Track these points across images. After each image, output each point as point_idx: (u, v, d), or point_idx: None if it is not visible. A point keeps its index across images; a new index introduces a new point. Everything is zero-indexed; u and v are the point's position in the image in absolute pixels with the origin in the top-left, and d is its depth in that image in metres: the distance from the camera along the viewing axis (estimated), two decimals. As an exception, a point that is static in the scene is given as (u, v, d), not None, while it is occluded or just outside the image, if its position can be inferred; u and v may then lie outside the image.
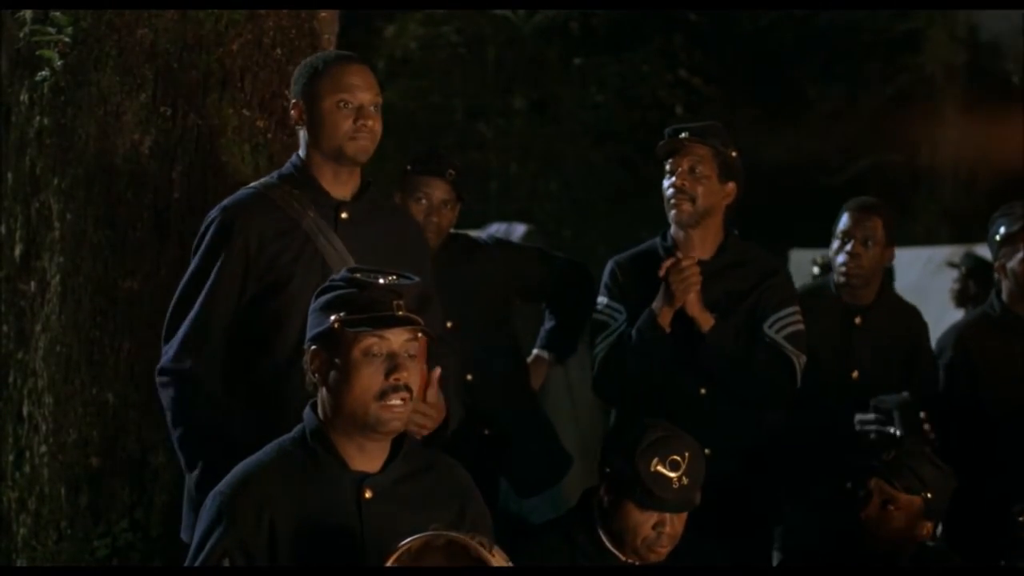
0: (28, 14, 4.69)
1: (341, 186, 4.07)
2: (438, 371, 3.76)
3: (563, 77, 12.93)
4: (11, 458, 4.72)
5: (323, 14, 4.77)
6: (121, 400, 4.61)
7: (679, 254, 4.84)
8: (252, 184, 4.13)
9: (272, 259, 3.98)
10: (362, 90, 4.03)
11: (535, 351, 5.48)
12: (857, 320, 5.34)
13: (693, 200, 4.84)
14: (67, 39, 4.63)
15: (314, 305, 3.49)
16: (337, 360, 3.42)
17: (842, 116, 12.67)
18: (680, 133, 4.88)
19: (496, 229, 7.53)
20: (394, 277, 3.48)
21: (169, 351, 3.98)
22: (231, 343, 3.98)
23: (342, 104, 4.01)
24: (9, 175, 4.75)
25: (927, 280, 8.73)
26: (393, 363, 3.41)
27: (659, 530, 4.09)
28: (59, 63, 4.63)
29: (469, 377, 5.06)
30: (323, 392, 3.46)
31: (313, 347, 3.46)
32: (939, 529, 4.78)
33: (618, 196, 12.72)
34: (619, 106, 12.86)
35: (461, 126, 12.84)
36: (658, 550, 4.11)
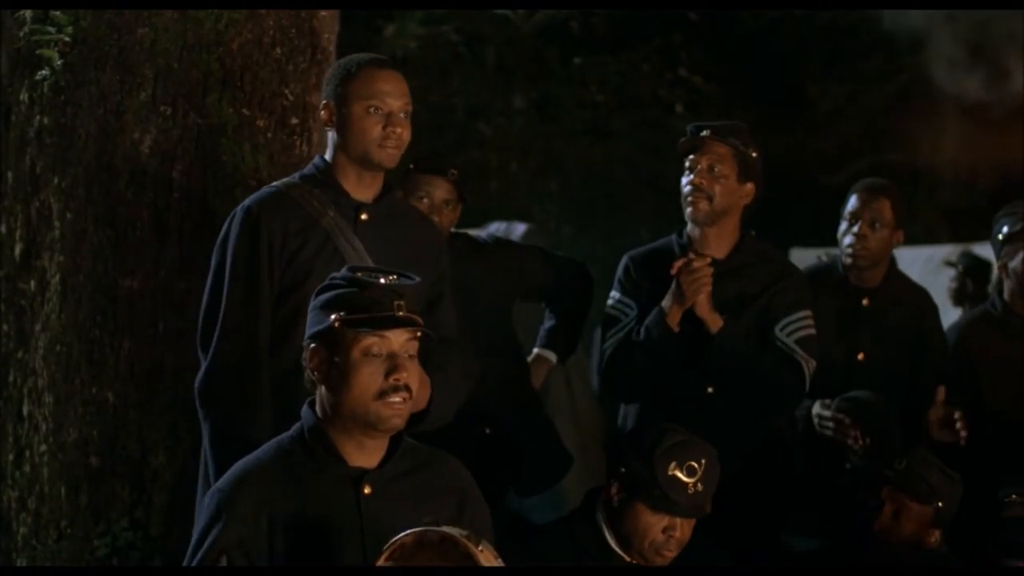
0: (28, 14, 4.69)
1: (364, 189, 4.08)
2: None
3: (563, 76, 12.91)
4: (11, 457, 4.72)
5: (323, 13, 4.77)
6: (121, 400, 4.61)
7: (691, 254, 4.83)
8: (274, 184, 4.15)
9: (293, 255, 4.00)
10: (393, 97, 4.03)
11: (535, 350, 5.47)
12: (864, 302, 5.33)
13: (710, 199, 4.82)
14: (67, 38, 4.63)
15: (314, 303, 3.49)
16: (337, 359, 3.42)
17: (842, 116, 12.66)
18: (702, 130, 4.86)
19: (496, 229, 7.53)
20: (395, 277, 3.48)
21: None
22: None
23: (372, 110, 4.01)
24: (9, 174, 4.75)
25: (927, 279, 8.71)
26: (393, 363, 3.41)
27: (668, 534, 4.09)
28: (59, 62, 4.63)
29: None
30: (322, 390, 3.47)
31: (312, 345, 3.46)
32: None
33: (618, 196, 12.70)
34: (619, 105, 12.84)
35: (461, 126, 12.82)
36: (665, 554, 4.11)
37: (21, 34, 4.70)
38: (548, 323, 5.47)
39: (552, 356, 5.48)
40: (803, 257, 8.32)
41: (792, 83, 12.81)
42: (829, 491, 5.07)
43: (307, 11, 4.71)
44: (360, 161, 4.05)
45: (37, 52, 4.65)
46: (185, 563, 3.46)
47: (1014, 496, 4.59)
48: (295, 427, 3.51)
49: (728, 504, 4.36)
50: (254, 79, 4.65)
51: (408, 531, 3.19)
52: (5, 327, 4.74)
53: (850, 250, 5.31)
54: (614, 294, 5.01)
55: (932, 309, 5.47)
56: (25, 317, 4.72)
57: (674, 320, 4.79)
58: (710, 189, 4.82)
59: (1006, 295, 5.39)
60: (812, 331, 4.87)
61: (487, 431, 5.13)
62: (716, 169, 4.82)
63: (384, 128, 4.02)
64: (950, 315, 7.25)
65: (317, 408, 3.49)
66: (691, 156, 4.86)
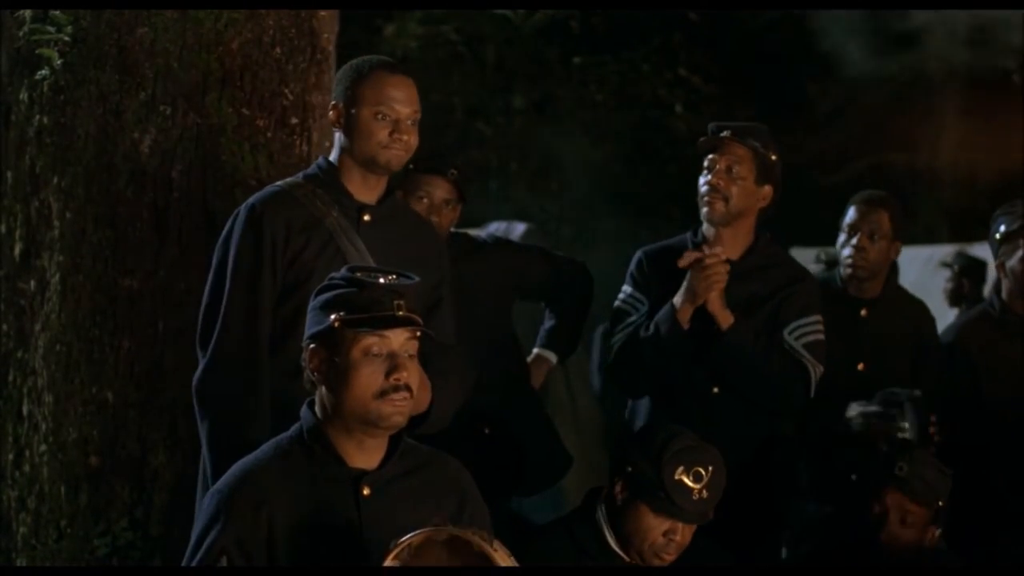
0: (28, 13, 4.69)
1: (368, 191, 4.08)
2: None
3: (563, 76, 12.92)
4: (11, 457, 4.72)
5: (323, 13, 4.77)
6: (121, 399, 4.61)
7: (705, 249, 4.82)
8: (277, 183, 4.14)
9: (296, 254, 3.99)
10: (402, 104, 4.03)
11: (535, 350, 5.47)
12: (863, 312, 5.35)
13: (727, 200, 4.82)
14: (67, 38, 4.63)
15: (314, 303, 3.49)
16: (337, 359, 3.42)
17: (842, 116, 12.67)
18: (722, 130, 4.85)
19: (496, 228, 7.52)
20: (394, 277, 3.48)
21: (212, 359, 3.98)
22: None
23: (380, 116, 4.01)
24: (9, 174, 4.75)
25: (927, 279, 8.73)
26: (393, 363, 3.41)
27: (669, 537, 4.09)
28: (59, 62, 4.63)
29: (470, 376, 5.06)
30: (322, 390, 3.46)
31: (312, 345, 3.46)
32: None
33: (618, 196, 12.70)
34: (619, 105, 12.85)
35: (461, 125, 12.83)
36: (663, 557, 4.11)
37: (21, 34, 4.70)
38: (548, 323, 5.47)
39: (552, 356, 5.48)
40: (802, 256, 8.33)
41: (792, 83, 12.81)
42: (832, 492, 5.08)
43: (307, 11, 4.71)
44: (365, 163, 4.05)
45: (37, 52, 4.65)
46: (184, 563, 3.46)
47: None
48: (294, 427, 3.51)
49: (728, 505, 4.37)
50: (254, 79, 4.65)
51: (416, 531, 3.18)
52: (5, 327, 4.74)
53: (849, 261, 5.33)
54: (625, 288, 5.00)
55: (929, 320, 5.48)
56: (25, 317, 4.72)
57: (684, 317, 4.78)
58: (727, 190, 4.81)
59: (1004, 294, 5.40)
60: (821, 336, 4.86)
61: (487, 431, 5.13)
62: (734, 170, 4.81)
63: (391, 135, 4.01)
64: (947, 315, 7.27)
65: (317, 408, 3.49)
66: (710, 156, 4.85)
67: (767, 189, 4.87)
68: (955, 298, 8.13)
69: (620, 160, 12.98)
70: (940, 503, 4.50)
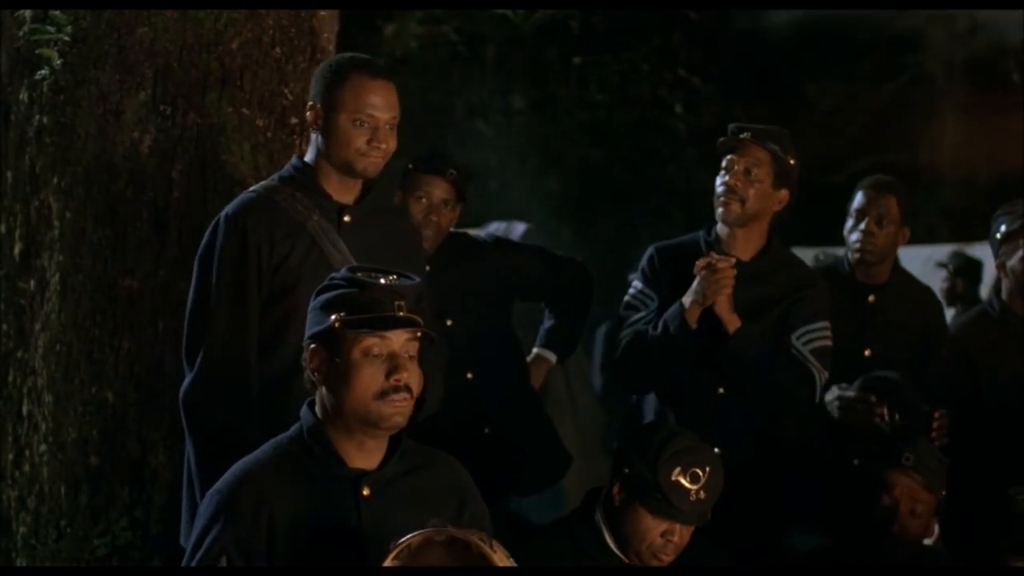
0: (28, 13, 4.69)
1: (345, 191, 4.07)
2: None
3: (563, 76, 12.91)
4: (11, 457, 4.72)
5: (323, 13, 4.77)
6: (121, 399, 4.61)
7: (713, 254, 4.81)
8: (252, 188, 4.12)
9: (281, 260, 3.98)
10: (381, 110, 4.00)
11: (535, 350, 5.47)
12: (870, 298, 5.33)
13: (743, 202, 4.82)
14: (67, 38, 4.63)
15: (314, 303, 3.49)
16: (337, 360, 3.41)
17: (842, 115, 12.66)
18: (743, 132, 4.85)
19: (496, 228, 7.52)
20: (395, 277, 3.47)
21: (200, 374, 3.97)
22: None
23: (358, 123, 3.98)
24: (9, 174, 4.75)
25: (927, 278, 8.75)
26: (394, 363, 3.41)
27: (667, 538, 4.08)
28: (58, 62, 4.63)
29: (469, 376, 5.06)
30: (322, 391, 3.46)
31: (312, 346, 3.46)
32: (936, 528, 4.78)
33: (618, 196, 12.70)
34: (619, 105, 12.84)
35: (461, 125, 12.81)
36: (662, 557, 4.11)
37: (21, 34, 4.70)
38: (548, 323, 5.47)
39: (552, 356, 5.48)
40: (802, 257, 8.33)
41: (792, 83, 12.81)
42: (834, 491, 5.06)
43: (307, 11, 4.71)
44: (342, 169, 4.03)
45: (36, 52, 4.65)
46: (184, 563, 3.46)
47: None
48: (294, 427, 3.51)
49: (729, 505, 4.36)
50: (253, 79, 4.65)
51: (416, 532, 3.19)
52: (5, 327, 4.74)
53: (857, 246, 5.31)
54: (636, 284, 5.00)
55: (937, 306, 5.48)
56: (25, 316, 4.72)
57: (692, 317, 4.77)
58: (744, 192, 4.81)
59: (1004, 294, 5.39)
60: (828, 343, 4.86)
61: (487, 431, 5.13)
62: (752, 173, 4.81)
63: (369, 142, 3.99)
64: (946, 315, 7.27)
65: (317, 409, 3.48)
66: (729, 156, 4.85)
67: (783, 193, 4.87)
68: (950, 298, 8.14)
69: (620, 160, 12.97)
70: (944, 492, 4.49)
